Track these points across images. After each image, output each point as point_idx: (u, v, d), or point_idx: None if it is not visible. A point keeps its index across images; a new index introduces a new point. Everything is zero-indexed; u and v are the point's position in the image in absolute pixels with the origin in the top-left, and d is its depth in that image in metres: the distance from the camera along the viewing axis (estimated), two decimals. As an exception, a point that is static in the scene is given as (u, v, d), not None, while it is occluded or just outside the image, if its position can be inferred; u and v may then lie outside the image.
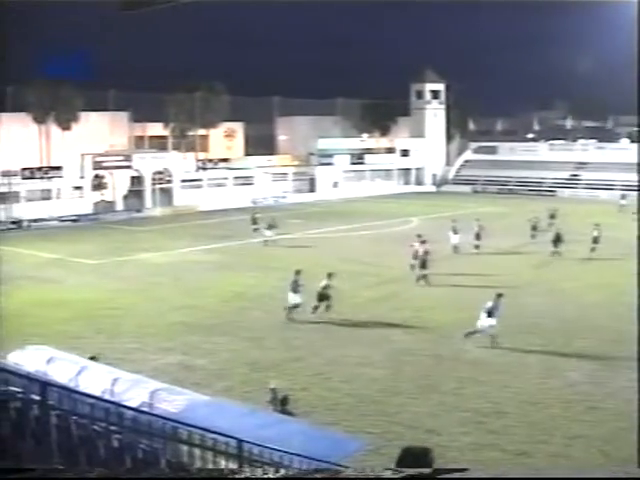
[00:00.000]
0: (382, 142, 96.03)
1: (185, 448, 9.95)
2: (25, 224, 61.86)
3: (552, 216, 53.86)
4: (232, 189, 79.34)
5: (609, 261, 40.90)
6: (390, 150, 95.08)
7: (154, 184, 73.68)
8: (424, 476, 4.53)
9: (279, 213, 64.07)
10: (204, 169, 79.66)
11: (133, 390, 14.39)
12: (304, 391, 21.43)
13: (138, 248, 48.84)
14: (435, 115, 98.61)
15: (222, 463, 9.83)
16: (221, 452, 9.94)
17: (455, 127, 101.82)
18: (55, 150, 72.00)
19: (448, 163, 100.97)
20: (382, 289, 35.68)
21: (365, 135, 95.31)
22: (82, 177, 69.30)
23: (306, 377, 22.94)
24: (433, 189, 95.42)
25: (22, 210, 63.65)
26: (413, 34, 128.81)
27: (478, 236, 46.25)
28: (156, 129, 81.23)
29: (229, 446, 9.96)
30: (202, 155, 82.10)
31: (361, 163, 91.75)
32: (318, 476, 4.78)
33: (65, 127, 72.08)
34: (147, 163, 73.29)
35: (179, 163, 76.82)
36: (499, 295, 26.59)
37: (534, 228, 50.14)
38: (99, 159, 70.36)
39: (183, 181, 76.07)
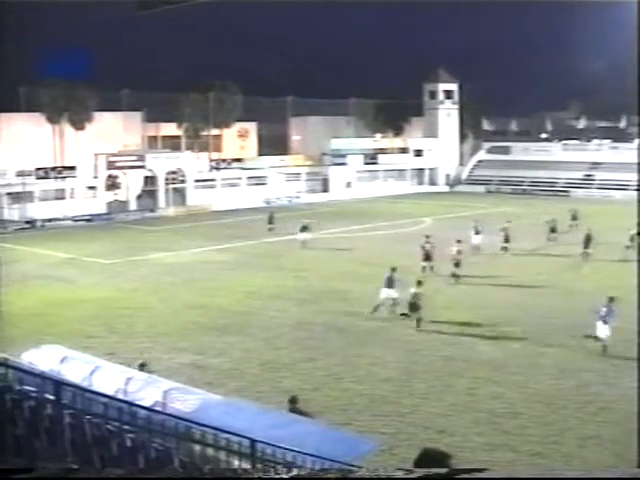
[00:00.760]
0: (395, 142, 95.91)
1: (198, 448, 9.96)
2: (39, 224, 62.09)
3: (574, 217, 53.08)
4: (245, 189, 79.43)
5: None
6: (403, 150, 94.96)
7: (167, 184, 73.82)
8: (439, 476, 4.50)
9: (292, 213, 64.06)
10: (217, 169, 79.76)
11: (146, 390, 14.41)
12: (316, 391, 21.41)
13: (151, 248, 48.92)
14: (448, 115, 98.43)
15: (235, 463, 9.83)
16: (234, 452, 9.94)
17: (468, 127, 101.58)
18: (69, 150, 72.25)
19: (461, 163, 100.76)
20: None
21: (378, 135, 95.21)
22: (96, 177, 69.49)
23: (319, 377, 22.92)
24: (446, 189, 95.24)
25: (36, 210, 63.88)
26: (426, 34, 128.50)
27: (507, 238, 45.24)
28: (169, 129, 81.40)
29: (242, 446, 9.96)
30: (215, 155, 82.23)
31: (374, 163, 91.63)
32: (331, 476, 4.75)
33: (79, 127, 72.31)
34: (160, 163, 73.43)
35: (192, 163, 76.93)
36: (611, 299, 24.93)
37: (553, 230, 49.05)
38: (112, 159, 70.54)
39: (196, 181, 76.18)
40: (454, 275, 36.72)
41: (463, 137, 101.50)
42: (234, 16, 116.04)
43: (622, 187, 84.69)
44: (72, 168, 68.96)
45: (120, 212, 68.92)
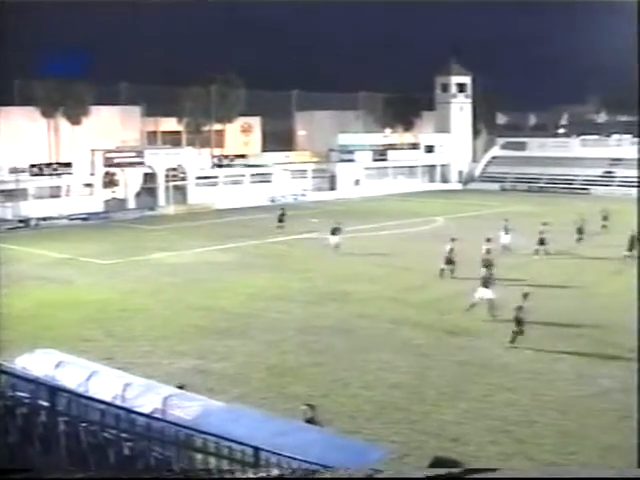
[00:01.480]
0: (406, 137, 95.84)
1: (199, 456, 9.94)
2: (33, 222, 62.16)
3: (605, 217, 52.45)
4: (249, 187, 79.43)
5: None
6: (414, 146, 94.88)
7: (167, 181, 73.84)
8: (453, 476, 4.49)
9: (298, 212, 64.02)
10: (220, 166, 79.81)
11: (145, 396, 14.40)
12: (324, 398, 21.37)
13: (151, 248, 48.94)
14: (461, 109, 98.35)
15: (238, 472, 9.81)
16: (237, 460, 9.92)
17: (482, 122, 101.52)
18: (64, 146, 72.38)
19: (475, 160, 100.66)
20: (419, 293, 35.54)
21: (388, 130, 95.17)
22: (92, 174, 69.57)
23: (326, 383, 22.89)
24: (459, 187, 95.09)
25: (30, 208, 63.93)
26: (438, 25, 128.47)
27: (542, 241, 44.31)
28: (170, 124, 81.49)
29: (245, 454, 9.94)
30: (218, 151, 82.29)
31: (384, 160, 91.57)
32: (359, 476, 4.73)
33: (75, 122, 72.42)
34: (160, 159, 73.48)
35: (194, 159, 76.98)
36: None
37: (580, 231, 47.94)
38: (110, 155, 70.61)
39: (198, 178, 76.22)
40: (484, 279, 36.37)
41: (476, 132, 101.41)
42: (237, 7, 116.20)
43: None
44: (68, 165, 69.06)
45: (118, 211, 68.98)
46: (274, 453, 10.27)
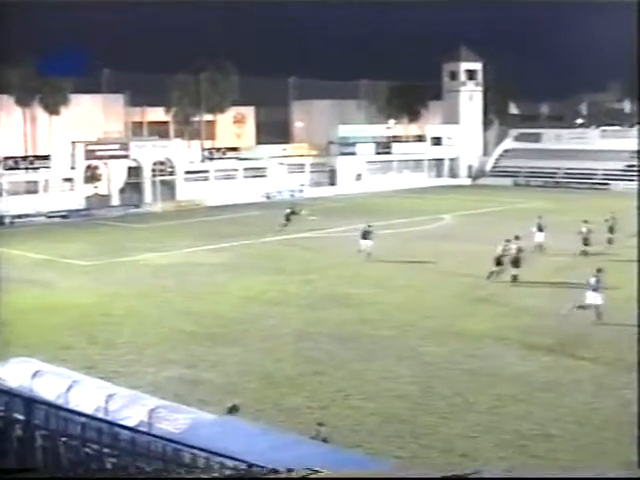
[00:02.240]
0: (411, 129, 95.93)
1: (188, 473, 9.90)
2: (8, 220, 62.10)
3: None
4: (242, 182, 79.40)
5: None
6: (420, 138, 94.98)
7: (154, 176, 73.81)
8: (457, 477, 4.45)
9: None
10: (211, 159, 79.84)
11: (130, 408, 14.38)
12: (323, 410, 21.36)
13: (137, 248, 48.91)
14: (471, 98, 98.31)
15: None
16: (229, 478, 9.88)
17: (493, 112, 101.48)
18: (42, 137, 72.33)
19: (486, 153, 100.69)
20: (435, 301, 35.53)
21: (392, 121, 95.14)
22: (73, 168, 69.52)
23: (326, 393, 22.87)
24: (468, 182, 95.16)
25: (4, 205, 63.89)
26: (446, 7, 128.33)
27: (586, 240, 43.86)
28: (156, 114, 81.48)
29: (238, 470, 9.90)
30: (208, 143, 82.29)
31: (387, 153, 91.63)
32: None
33: (53, 111, 72.35)
34: (146, 152, 73.47)
35: (182, 152, 76.99)
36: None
37: (611, 229, 46.79)
38: (92, 148, 70.57)
39: (187, 173, 76.19)
40: (514, 277, 36.67)
41: (487, 123, 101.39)
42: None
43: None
44: (46, 158, 69.04)
45: (101, 208, 68.95)
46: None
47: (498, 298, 34.54)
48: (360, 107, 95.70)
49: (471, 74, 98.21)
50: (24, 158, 68.61)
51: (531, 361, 25.66)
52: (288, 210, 55.80)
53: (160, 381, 23.69)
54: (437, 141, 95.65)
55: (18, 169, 67.04)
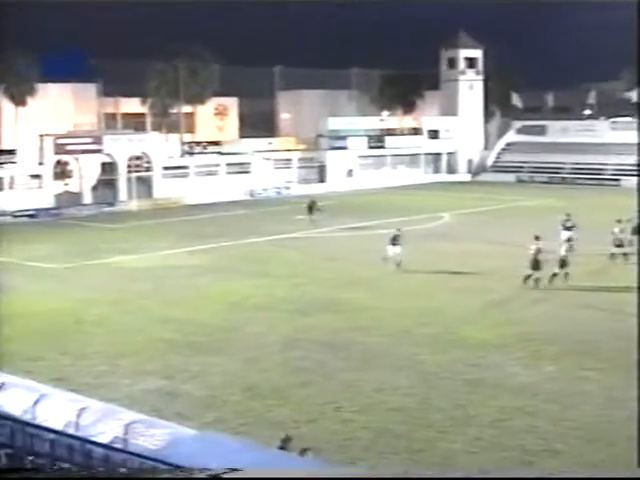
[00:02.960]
0: (406, 121, 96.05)
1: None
2: (-29, 220, 61.98)
3: None
4: (224, 178, 79.37)
5: None
6: (416, 131, 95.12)
7: (130, 172, 73.73)
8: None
9: (281, 207, 64.03)
10: (191, 154, 79.80)
11: (103, 423, 14.33)
12: (312, 423, 21.35)
13: (111, 249, 48.83)
14: (471, 88, 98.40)
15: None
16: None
17: (495, 103, 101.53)
18: (7, 130, 72.10)
19: (487, 147, 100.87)
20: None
21: (385, 113, 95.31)
22: (41, 163, 69.36)
23: (315, 406, 22.85)
24: (468, 178, 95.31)
25: (-32, 204, 63.81)
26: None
27: (620, 243, 43.05)
28: (132, 105, 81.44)
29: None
30: (188, 137, 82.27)
31: (381, 147, 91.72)
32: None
33: (19, 102, 72.16)
34: (121, 147, 73.34)
35: (160, 147, 76.91)
36: None
37: (637, 231, 45.07)
38: (62, 141, 70.38)
39: (165, 169, 76.13)
40: (535, 280, 36.72)
41: (489, 115, 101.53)
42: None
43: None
44: (11, 152, 68.87)
45: (71, 206, 68.81)
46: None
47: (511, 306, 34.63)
48: (351, 98, 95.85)
49: (471, 62, 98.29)
50: (-13, 153, 68.46)
51: (535, 370, 25.69)
52: (310, 202, 56.76)
53: (136, 393, 23.64)
54: (434, 134, 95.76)
55: (-20, 165, 66.87)
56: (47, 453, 9.29)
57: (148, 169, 74.93)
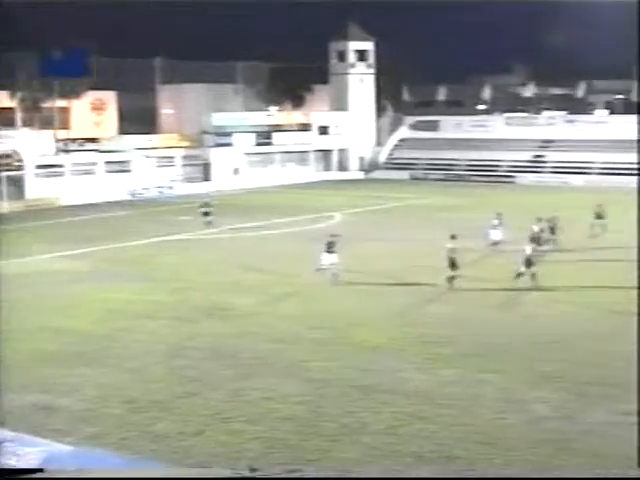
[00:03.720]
0: (295, 117, 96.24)
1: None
2: None
3: (599, 216, 50.21)
4: (103, 177, 78.57)
5: None
6: (305, 127, 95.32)
7: (-1, 172, 72.47)
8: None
9: (163, 208, 63.61)
10: (66, 152, 78.70)
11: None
12: (198, 436, 21.26)
13: (-21, 255, 47.92)
14: (361, 82, 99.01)
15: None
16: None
17: (387, 97, 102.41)
18: None
19: (379, 143, 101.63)
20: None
21: (273, 108, 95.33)
22: None
23: (201, 417, 22.76)
24: (360, 175, 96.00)
25: None
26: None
27: (539, 240, 42.85)
28: (-1, 99, 79.98)
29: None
30: (63, 134, 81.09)
31: (269, 144, 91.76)
32: None
33: None
34: (-11, 144, 72.03)
35: (32, 144, 75.69)
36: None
37: (553, 230, 46.36)
38: None
39: (38, 167, 75.01)
40: (450, 278, 37.03)
41: (381, 110, 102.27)
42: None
43: (582, 170, 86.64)
44: None
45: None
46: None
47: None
48: (237, 92, 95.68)
49: (362, 54, 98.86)
50: None
51: (432, 375, 26.00)
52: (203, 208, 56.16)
53: (8, 409, 23.22)
54: (324, 130, 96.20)
55: None
56: None
57: (19, 168, 73.70)
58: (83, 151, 79.97)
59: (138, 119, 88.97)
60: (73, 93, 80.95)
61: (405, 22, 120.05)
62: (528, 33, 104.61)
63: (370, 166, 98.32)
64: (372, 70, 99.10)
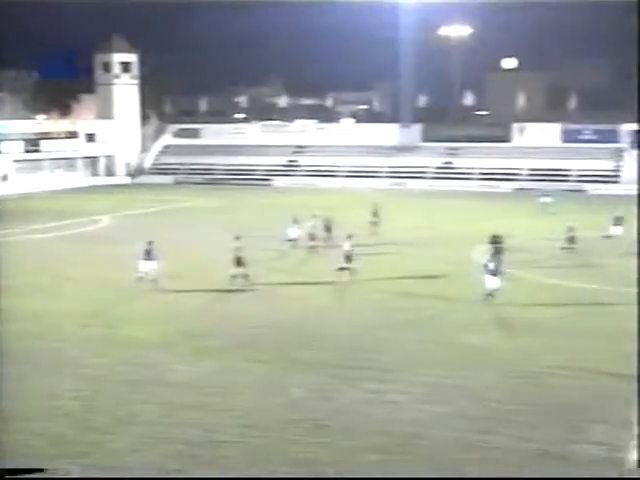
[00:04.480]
0: (62, 125, 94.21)
1: None
2: None
3: (375, 213, 51.68)
4: None
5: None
6: (72, 134, 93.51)
7: None
8: None
9: None
10: None
11: None
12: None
13: None
14: (126, 92, 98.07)
15: None
16: None
17: (151, 107, 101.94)
18: None
19: (144, 149, 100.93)
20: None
21: (41, 116, 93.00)
22: None
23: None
24: (127, 180, 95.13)
25: None
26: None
27: (313, 236, 45.50)
28: None
29: None
30: None
31: (37, 151, 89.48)
32: None
33: None
34: None
35: None
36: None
37: (328, 229, 47.10)
38: None
39: None
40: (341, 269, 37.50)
41: (145, 118, 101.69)
42: None
43: (330, 173, 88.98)
44: None
45: None
46: None
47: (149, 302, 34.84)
48: (3, 100, 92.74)
49: (126, 66, 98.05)
50: None
51: (198, 366, 26.06)
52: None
53: None
54: (91, 137, 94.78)
55: None
56: None
57: None
58: None
59: None
60: None
61: (168, 35, 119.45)
62: (285, 47, 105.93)
63: (136, 171, 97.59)
64: (136, 81, 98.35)
